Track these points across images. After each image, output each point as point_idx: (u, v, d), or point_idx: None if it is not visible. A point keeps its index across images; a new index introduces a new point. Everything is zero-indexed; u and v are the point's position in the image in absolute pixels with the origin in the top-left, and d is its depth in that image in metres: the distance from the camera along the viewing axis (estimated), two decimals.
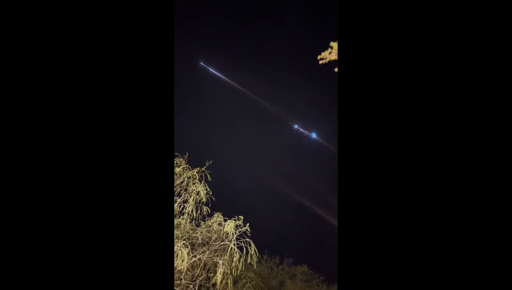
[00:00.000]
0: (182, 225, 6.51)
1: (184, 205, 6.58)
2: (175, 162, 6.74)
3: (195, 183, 6.55)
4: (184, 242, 6.15)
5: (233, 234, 6.15)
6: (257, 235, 6.26)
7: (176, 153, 6.73)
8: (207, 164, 6.63)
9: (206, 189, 6.52)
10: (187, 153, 6.73)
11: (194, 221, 6.59)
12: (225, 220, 6.36)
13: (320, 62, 4.40)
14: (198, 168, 6.65)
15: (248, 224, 6.10)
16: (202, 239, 6.52)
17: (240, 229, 6.19)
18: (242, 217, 6.07)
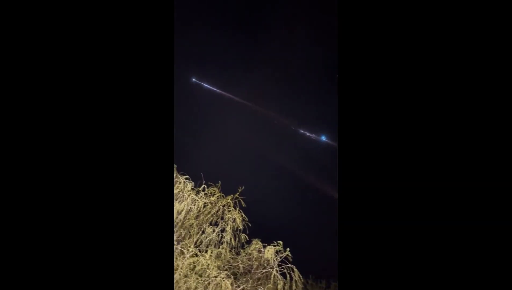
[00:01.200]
0: (223, 255, 6.39)
1: (222, 234, 6.47)
2: (209, 191, 6.69)
3: (230, 211, 6.45)
4: (226, 272, 6.01)
5: (274, 260, 5.95)
6: (299, 259, 6.01)
7: (209, 183, 6.69)
8: (240, 190, 6.53)
9: (242, 216, 6.39)
10: (219, 182, 6.67)
11: (233, 249, 6.46)
12: (264, 246, 6.17)
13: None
14: (232, 195, 6.55)
15: (288, 249, 5.88)
16: (244, 267, 6.36)
17: (280, 255, 5.98)
18: (281, 242, 5.86)
